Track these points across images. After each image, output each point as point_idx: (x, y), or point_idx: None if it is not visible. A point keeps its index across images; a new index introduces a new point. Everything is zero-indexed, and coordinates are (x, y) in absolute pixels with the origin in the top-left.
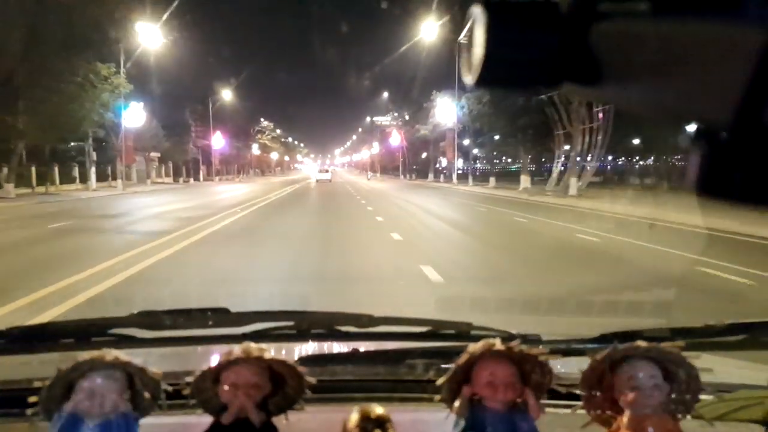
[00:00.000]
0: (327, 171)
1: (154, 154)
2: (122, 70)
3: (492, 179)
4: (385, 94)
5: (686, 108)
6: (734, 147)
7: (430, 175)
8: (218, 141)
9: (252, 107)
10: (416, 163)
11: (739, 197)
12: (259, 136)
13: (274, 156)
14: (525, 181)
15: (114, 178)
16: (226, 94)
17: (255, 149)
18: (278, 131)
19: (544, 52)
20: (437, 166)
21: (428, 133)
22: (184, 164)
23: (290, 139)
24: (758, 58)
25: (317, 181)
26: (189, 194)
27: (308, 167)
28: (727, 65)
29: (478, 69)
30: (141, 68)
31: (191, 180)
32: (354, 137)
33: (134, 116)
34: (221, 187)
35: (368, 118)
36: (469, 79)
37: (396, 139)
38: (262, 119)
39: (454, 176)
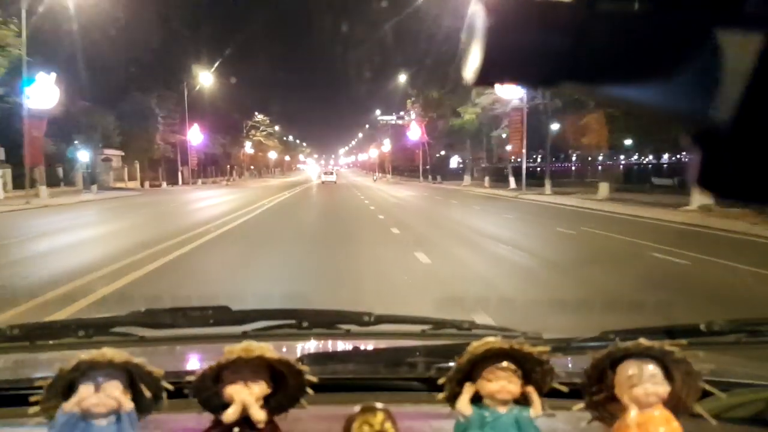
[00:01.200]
0: (332, 173)
1: (112, 152)
2: (23, 23)
3: (603, 186)
4: (402, 78)
5: (687, 108)
6: (735, 146)
7: (467, 177)
8: (195, 135)
9: (250, 104)
10: (427, 162)
11: (740, 196)
12: (252, 132)
13: (272, 155)
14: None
15: (52, 183)
16: (207, 78)
17: (248, 147)
18: (277, 128)
19: (544, 51)
20: (451, 166)
21: (474, 117)
22: (150, 163)
23: (290, 138)
24: (758, 58)
25: (323, 182)
26: (133, 209)
27: (310, 168)
28: (727, 65)
29: (477, 67)
30: (61, 27)
31: (164, 184)
32: (360, 135)
33: (44, 94)
34: (198, 193)
35: (377, 112)
36: (469, 77)
37: (415, 132)
38: (256, 113)
39: (512, 179)
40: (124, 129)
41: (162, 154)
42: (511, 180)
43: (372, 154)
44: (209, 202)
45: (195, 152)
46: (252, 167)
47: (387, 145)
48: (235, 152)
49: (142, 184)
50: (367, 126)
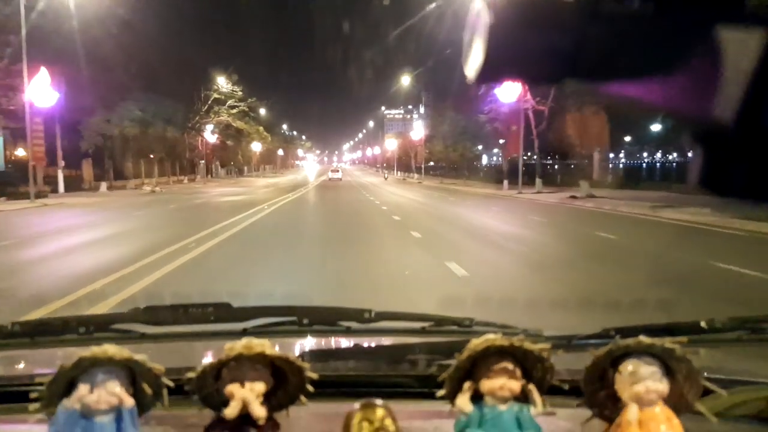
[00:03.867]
0: (338, 171)
1: None
2: None
3: None
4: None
5: (688, 106)
6: (736, 145)
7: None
8: (43, 90)
9: (216, 71)
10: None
11: (741, 194)
12: (216, 108)
13: (257, 147)
14: None
15: None
16: None
17: (209, 133)
18: (262, 111)
19: (546, 49)
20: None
21: None
22: None
23: (285, 127)
24: (758, 58)
25: (330, 179)
26: None
27: (308, 165)
28: (727, 64)
29: (480, 65)
30: None
31: None
32: (371, 123)
33: None
34: None
35: (405, 79)
36: (471, 74)
37: (511, 92)
38: (220, 78)
39: None
40: None
41: None
42: None
43: (390, 145)
44: None
45: (40, 124)
46: (232, 163)
47: (420, 130)
48: (184, 136)
49: None
50: (383, 108)
